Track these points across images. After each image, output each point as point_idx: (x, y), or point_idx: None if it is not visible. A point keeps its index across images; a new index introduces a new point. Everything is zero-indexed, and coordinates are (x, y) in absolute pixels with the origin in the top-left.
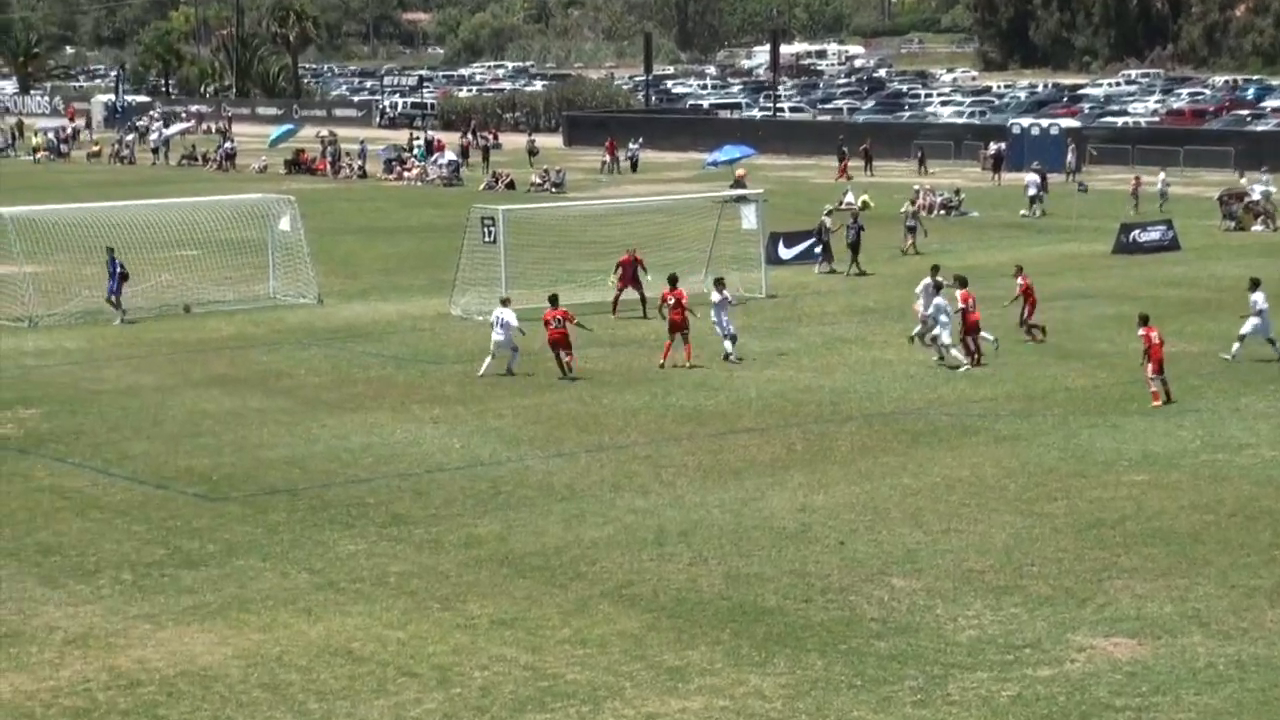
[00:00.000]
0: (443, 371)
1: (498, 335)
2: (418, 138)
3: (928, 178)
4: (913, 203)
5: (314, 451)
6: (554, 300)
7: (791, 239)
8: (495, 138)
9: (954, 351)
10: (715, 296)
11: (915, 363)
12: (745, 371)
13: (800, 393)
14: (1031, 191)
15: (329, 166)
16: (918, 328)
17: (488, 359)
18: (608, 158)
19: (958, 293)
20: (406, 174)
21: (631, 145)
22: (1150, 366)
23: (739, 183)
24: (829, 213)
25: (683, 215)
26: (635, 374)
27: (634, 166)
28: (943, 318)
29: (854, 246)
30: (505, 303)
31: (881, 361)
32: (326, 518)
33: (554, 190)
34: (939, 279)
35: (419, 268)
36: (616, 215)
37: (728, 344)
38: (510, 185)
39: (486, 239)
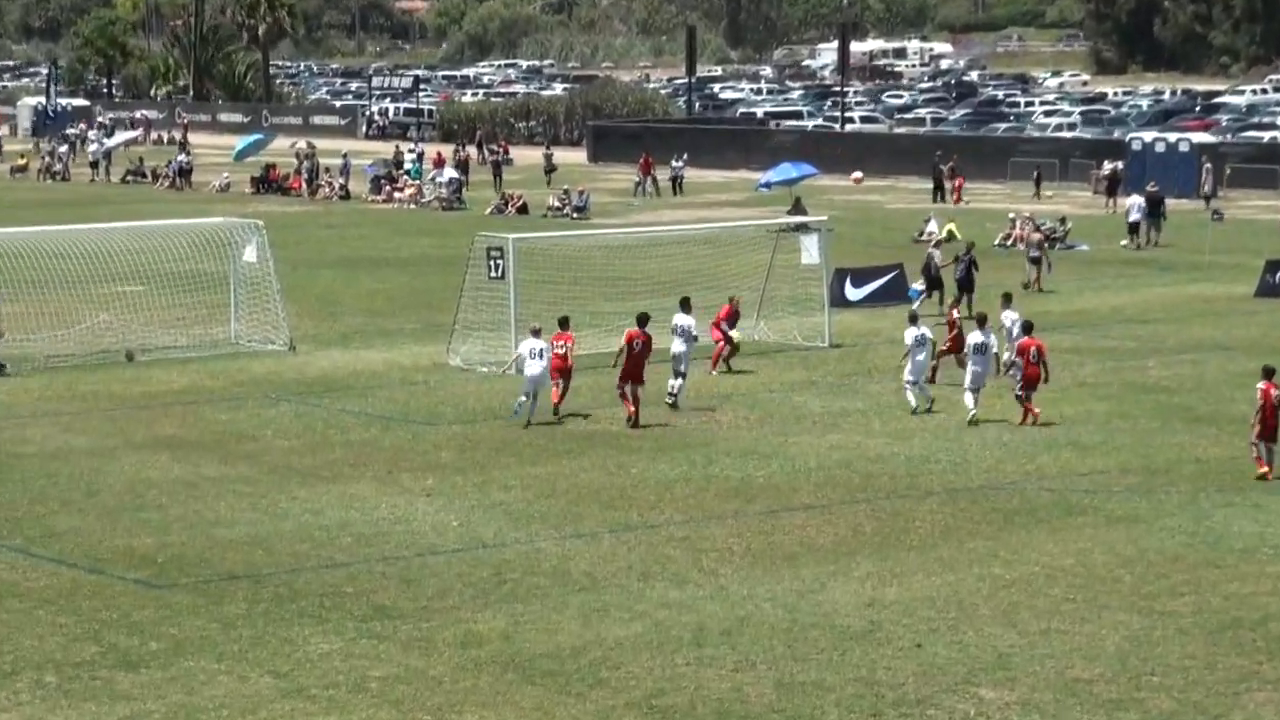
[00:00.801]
0: (438, 434)
1: (533, 370)
2: (412, 150)
3: (1036, 204)
4: (1036, 230)
5: (281, 530)
6: (564, 323)
7: (861, 276)
8: (505, 151)
9: (909, 394)
10: (681, 321)
11: (1010, 427)
12: (803, 436)
13: (869, 462)
14: (1134, 217)
15: (305, 185)
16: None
17: (530, 402)
18: (641, 177)
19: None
20: (398, 194)
21: (675, 162)
22: (1257, 429)
23: (798, 207)
24: (937, 243)
25: (730, 247)
26: (670, 438)
27: (677, 187)
28: (919, 355)
29: (964, 283)
30: (537, 333)
31: (969, 425)
32: (295, 610)
33: (575, 216)
34: (1019, 317)
35: (411, 308)
36: (651, 246)
37: (675, 382)
38: (523, 209)
39: (493, 274)
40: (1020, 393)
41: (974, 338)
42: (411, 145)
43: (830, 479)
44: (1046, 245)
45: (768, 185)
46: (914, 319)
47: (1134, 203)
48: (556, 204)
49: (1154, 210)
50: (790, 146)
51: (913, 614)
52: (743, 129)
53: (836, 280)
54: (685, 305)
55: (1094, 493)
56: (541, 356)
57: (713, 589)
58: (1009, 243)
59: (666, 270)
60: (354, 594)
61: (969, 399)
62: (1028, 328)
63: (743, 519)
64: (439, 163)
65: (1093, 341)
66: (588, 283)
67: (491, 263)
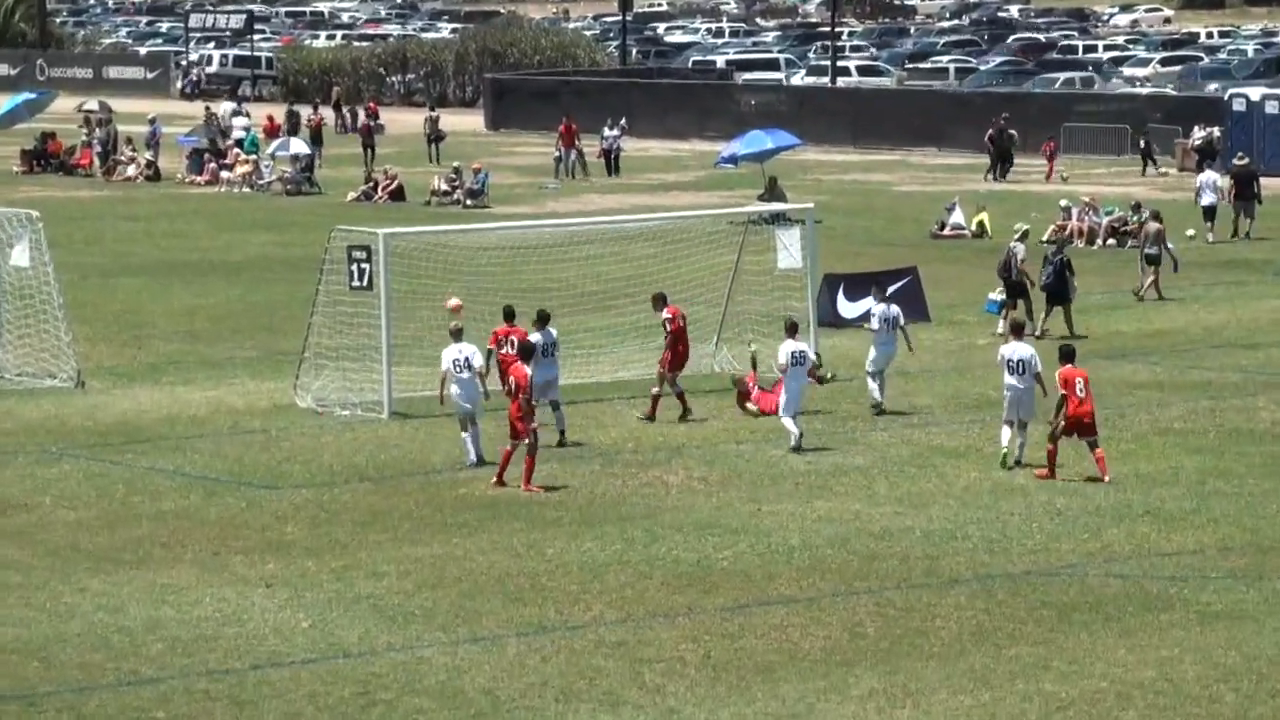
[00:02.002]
0: (283, 501)
1: (455, 389)
2: (238, 112)
3: (1110, 185)
4: (1155, 219)
5: (66, 633)
6: (510, 315)
7: (858, 285)
8: (374, 115)
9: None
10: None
11: (1067, 489)
12: (781, 504)
13: (874, 538)
14: (1206, 200)
15: (97, 161)
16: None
17: (464, 437)
18: (562, 150)
19: (1056, 373)
20: (227, 174)
21: (608, 130)
22: None
23: (774, 191)
24: (1023, 235)
25: (680, 245)
26: (598, 507)
27: (612, 165)
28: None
29: (1054, 292)
30: (458, 335)
31: (1009, 487)
32: None
33: (469, 203)
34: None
35: (245, 330)
36: (572, 245)
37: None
38: (397, 194)
39: (356, 283)
40: (1055, 437)
41: (1011, 350)
42: (234, 107)
43: (819, 562)
44: (1166, 243)
45: (732, 160)
46: (793, 329)
47: (1206, 180)
48: (444, 187)
49: (1244, 191)
50: (763, 108)
51: None
52: (697, 84)
53: (826, 290)
54: (544, 321)
55: (1182, 580)
56: (469, 367)
57: (658, 713)
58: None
59: (593, 277)
60: None
61: (1005, 434)
62: (1068, 354)
63: (699, 617)
64: (271, 130)
65: (1180, 373)
66: (486, 295)
67: (355, 268)
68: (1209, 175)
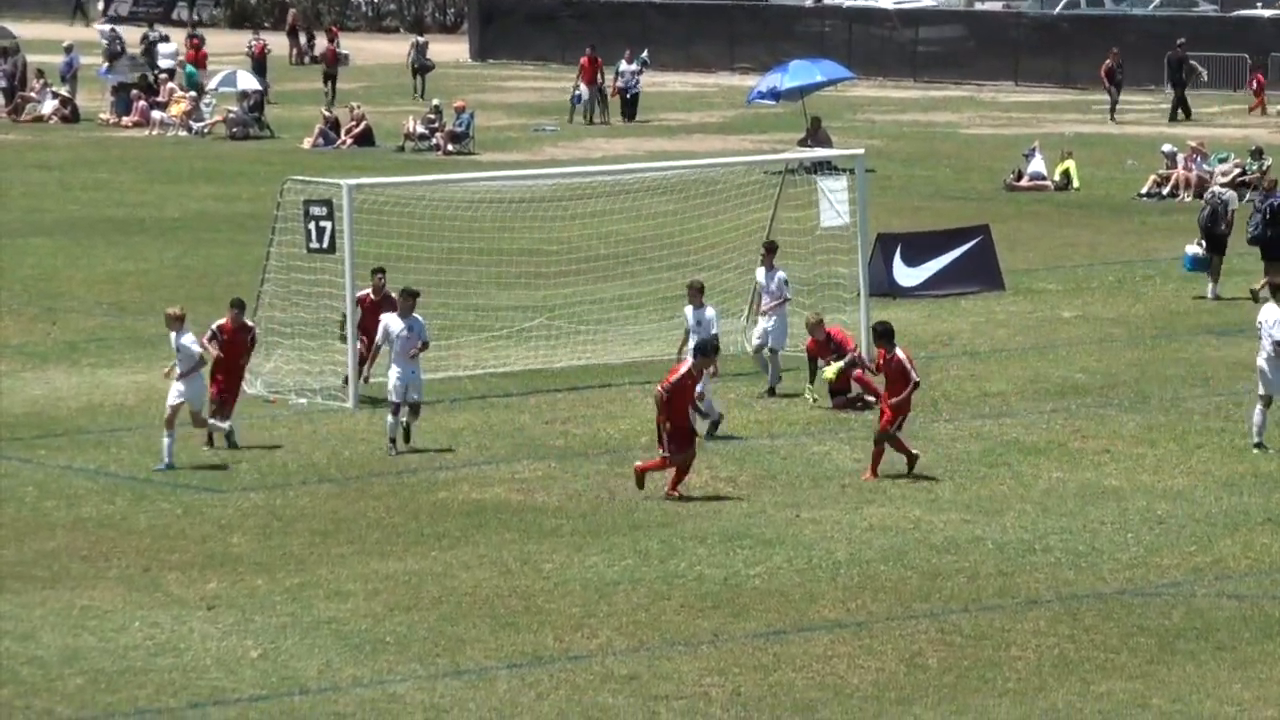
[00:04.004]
0: (227, 508)
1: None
2: (154, 35)
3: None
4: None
5: None
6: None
7: (919, 247)
8: (334, 41)
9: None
10: (399, 331)
11: (1170, 493)
12: (825, 509)
13: (935, 552)
14: None
15: (1, 98)
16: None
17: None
18: (583, 89)
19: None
20: (160, 114)
21: (624, 64)
22: None
23: (817, 134)
24: (1234, 180)
25: (704, 200)
26: (607, 514)
27: (629, 106)
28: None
29: (1268, 245)
30: (180, 321)
31: (1099, 489)
32: None
33: (452, 148)
34: None
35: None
36: (574, 200)
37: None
38: (365, 138)
39: (315, 244)
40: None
41: (1262, 312)
42: (148, 31)
43: (870, 579)
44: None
45: (772, 96)
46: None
47: None
48: (421, 129)
49: None
50: (805, 33)
51: None
52: (726, 5)
53: (880, 254)
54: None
55: None
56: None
57: None
58: (1167, 190)
59: (601, 238)
60: None
61: (1256, 414)
62: (883, 332)
63: (727, 645)
64: (197, 60)
65: None
66: (471, 258)
67: (313, 226)
68: None
